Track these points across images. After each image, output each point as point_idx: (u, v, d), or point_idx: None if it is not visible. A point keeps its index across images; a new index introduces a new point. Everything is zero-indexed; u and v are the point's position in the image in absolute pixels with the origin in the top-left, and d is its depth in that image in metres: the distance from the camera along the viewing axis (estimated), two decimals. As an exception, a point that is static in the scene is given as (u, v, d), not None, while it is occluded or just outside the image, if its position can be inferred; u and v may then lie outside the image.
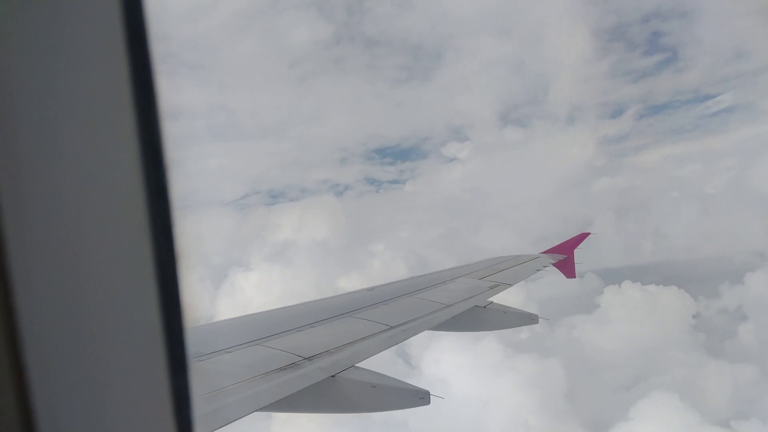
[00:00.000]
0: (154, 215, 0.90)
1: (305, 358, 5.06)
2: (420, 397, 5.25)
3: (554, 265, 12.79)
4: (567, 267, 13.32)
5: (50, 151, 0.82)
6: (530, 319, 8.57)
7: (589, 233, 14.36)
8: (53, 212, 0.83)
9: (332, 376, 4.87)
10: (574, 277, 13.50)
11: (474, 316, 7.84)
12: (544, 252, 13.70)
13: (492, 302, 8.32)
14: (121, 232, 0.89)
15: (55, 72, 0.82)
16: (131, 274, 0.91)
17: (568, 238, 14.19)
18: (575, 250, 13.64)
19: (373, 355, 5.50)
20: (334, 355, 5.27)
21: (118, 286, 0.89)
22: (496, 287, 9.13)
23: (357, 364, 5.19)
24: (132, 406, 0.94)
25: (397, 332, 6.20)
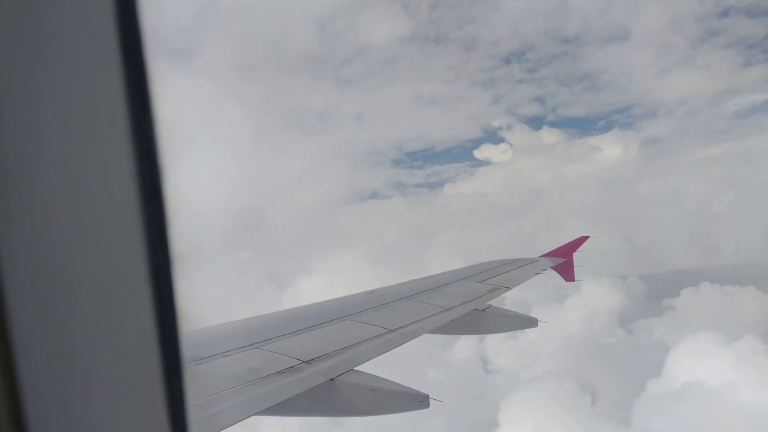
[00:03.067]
0: (148, 216, 0.89)
1: (304, 362, 5.04)
2: (419, 401, 5.23)
3: (553, 268, 12.77)
4: (566, 270, 13.30)
5: (42, 153, 0.81)
6: (529, 322, 8.56)
7: (588, 236, 14.34)
8: (45, 213, 0.82)
9: (331, 379, 4.85)
10: (573, 280, 13.48)
11: (473, 320, 7.82)
12: (544, 255, 13.68)
13: (491, 305, 8.31)
14: (114, 233, 0.88)
15: (48, 74, 0.81)
16: (124, 277, 0.89)
17: (568, 242, 14.19)
18: (574, 254, 13.64)
19: (373, 358, 5.48)
20: (333, 359, 5.25)
21: (111, 288, 0.88)
22: (496, 290, 9.11)
23: (356, 368, 5.17)
24: (126, 410, 0.92)
25: (396, 335, 6.18)
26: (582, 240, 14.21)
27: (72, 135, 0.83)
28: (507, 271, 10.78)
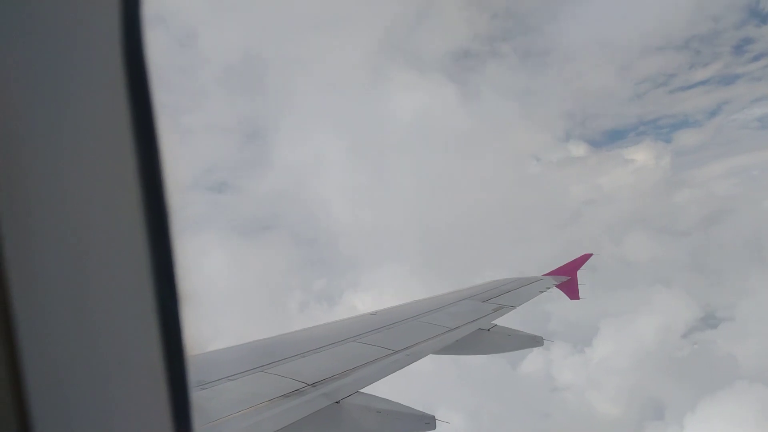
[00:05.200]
0: (155, 242, 0.90)
1: (309, 385, 5.01)
2: (426, 422, 5.18)
3: (557, 286, 12.71)
4: (570, 288, 13.24)
5: (50, 156, 0.82)
6: (535, 341, 8.50)
7: (591, 254, 14.30)
8: (53, 218, 0.82)
9: (337, 402, 4.82)
10: (578, 298, 13.40)
11: (478, 340, 7.77)
12: (547, 274, 13.63)
13: (496, 325, 8.26)
14: (122, 259, 0.89)
15: (54, 75, 0.82)
16: (131, 302, 0.90)
17: (571, 260, 14.14)
18: (578, 272, 13.58)
19: (378, 380, 5.44)
20: (338, 381, 5.22)
21: (118, 312, 0.89)
22: (500, 309, 9.07)
23: (362, 390, 5.13)
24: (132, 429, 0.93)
25: (401, 356, 6.14)
26: (586, 258, 14.17)
27: (77, 135, 0.84)
28: (511, 290, 10.74)
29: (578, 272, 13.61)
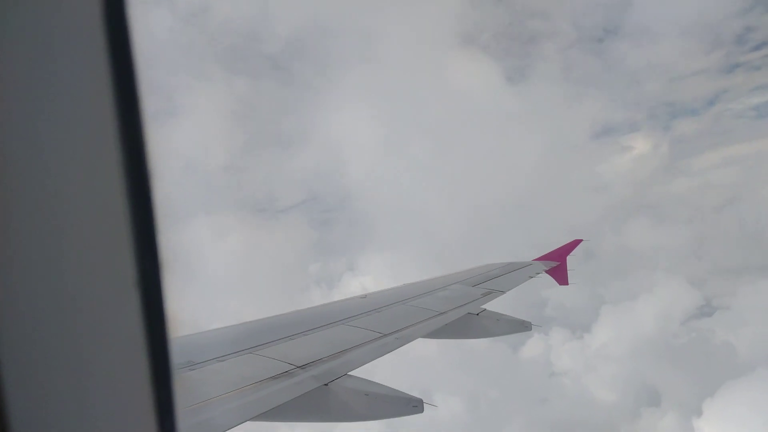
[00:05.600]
0: (137, 220, 0.89)
1: (298, 367, 5.03)
2: (413, 405, 5.23)
3: (547, 272, 12.79)
4: (560, 274, 13.34)
5: (32, 153, 0.81)
6: (523, 326, 8.57)
7: (581, 240, 14.39)
8: (33, 215, 0.81)
9: (325, 384, 4.84)
10: (567, 284, 13.51)
11: (467, 324, 7.83)
12: (537, 259, 13.71)
13: (485, 309, 8.32)
14: (103, 236, 0.88)
15: (38, 73, 0.81)
16: (113, 281, 0.89)
17: (561, 245, 14.22)
18: (568, 257, 13.67)
19: (367, 363, 5.48)
20: (326, 364, 5.24)
21: (99, 293, 0.88)
22: (489, 294, 9.12)
23: (350, 372, 5.16)
24: (114, 415, 0.92)
25: (390, 340, 6.17)
26: (576, 243, 14.25)
27: (59, 135, 0.83)
28: (500, 275, 10.80)
29: (568, 258, 13.70)
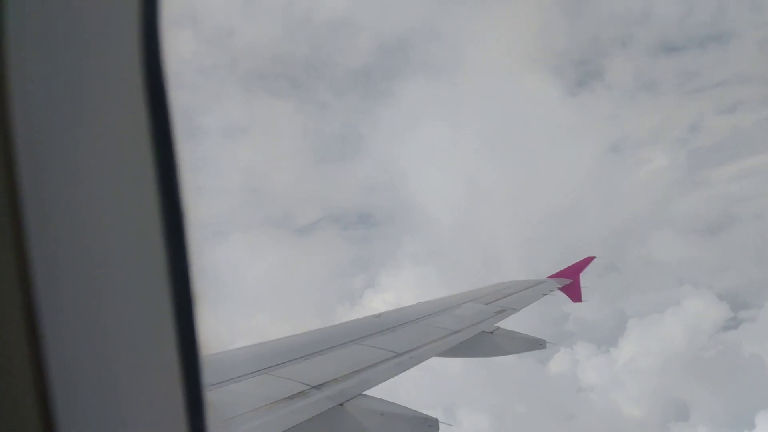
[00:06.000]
0: (169, 239, 0.92)
1: (313, 387, 5.03)
2: (429, 425, 5.19)
3: (561, 289, 12.72)
4: (573, 291, 13.25)
5: (70, 157, 0.84)
6: (538, 344, 8.50)
7: (594, 257, 14.30)
8: (73, 219, 0.84)
9: (340, 404, 4.83)
10: (581, 301, 13.40)
11: (481, 342, 7.78)
12: (551, 276, 13.64)
13: (499, 327, 8.27)
14: (140, 263, 0.91)
15: (75, 76, 0.84)
16: (148, 304, 0.92)
17: (574, 263, 14.14)
18: (581, 275, 13.59)
19: (382, 382, 5.46)
20: (341, 384, 5.23)
21: (135, 318, 0.91)
22: (503, 312, 9.08)
23: (365, 392, 5.15)
24: None
25: (404, 359, 6.16)
26: (588, 261, 14.17)
27: (96, 136, 0.86)
28: (513, 293, 10.75)
29: (581, 275, 13.62)
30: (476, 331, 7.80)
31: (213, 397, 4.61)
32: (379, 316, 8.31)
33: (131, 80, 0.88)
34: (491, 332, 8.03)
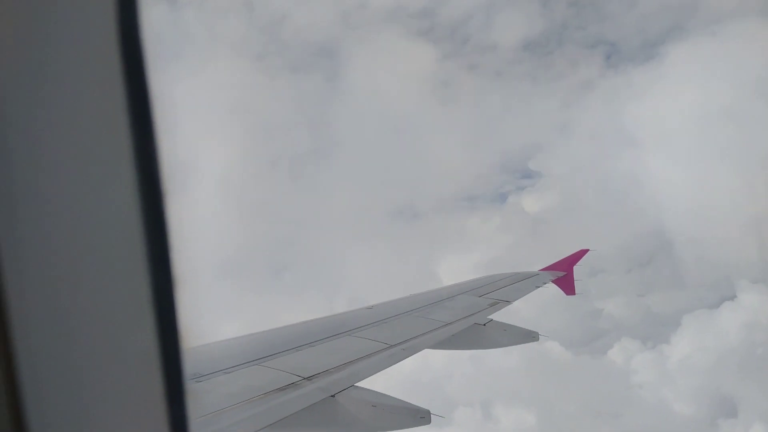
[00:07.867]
0: (150, 230, 0.90)
1: (305, 378, 5.03)
2: (420, 417, 5.21)
3: (554, 282, 12.75)
4: (566, 284, 13.29)
5: (43, 156, 0.82)
6: (530, 336, 8.53)
7: (588, 249, 14.33)
8: (48, 225, 0.82)
9: (332, 395, 4.84)
10: (574, 293, 13.45)
11: (474, 334, 7.80)
12: (543, 269, 13.67)
13: (492, 320, 8.29)
14: (116, 245, 0.89)
15: (49, 74, 0.82)
16: (126, 294, 0.90)
17: (567, 255, 14.18)
18: (574, 267, 13.62)
19: (374, 374, 5.47)
20: (333, 375, 5.24)
21: (113, 307, 0.89)
22: (496, 304, 9.10)
23: (357, 384, 5.15)
24: (128, 427, 0.93)
25: (396, 351, 6.16)
26: (582, 253, 14.21)
27: (72, 135, 0.84)
28: (507, 285, 10.77)
29: (574, 267, 13.66)
30: (469, 324, 7.81)
31: (204, 388, 4.60)
32: (371, 307, 8.31)
33: (106, 55, 0.86)
34: (484, 324, 8.05)
